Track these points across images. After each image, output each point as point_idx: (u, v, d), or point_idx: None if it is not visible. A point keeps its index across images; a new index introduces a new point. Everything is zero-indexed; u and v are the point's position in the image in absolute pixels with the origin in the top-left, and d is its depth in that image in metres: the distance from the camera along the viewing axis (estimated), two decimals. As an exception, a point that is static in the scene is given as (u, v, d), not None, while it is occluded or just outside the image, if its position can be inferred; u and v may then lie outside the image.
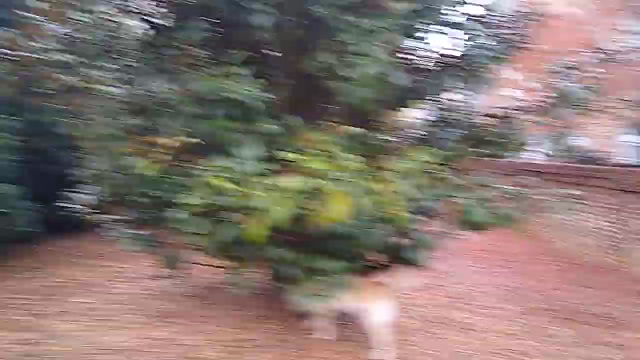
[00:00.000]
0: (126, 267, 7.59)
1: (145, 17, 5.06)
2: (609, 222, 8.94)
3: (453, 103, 5.57)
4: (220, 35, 4.88)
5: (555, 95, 4.76)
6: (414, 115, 7.54)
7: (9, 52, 4.64)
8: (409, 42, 4.99)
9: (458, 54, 5.34)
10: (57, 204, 5.68)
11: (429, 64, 5.38)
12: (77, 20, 4.69)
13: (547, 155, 15.83)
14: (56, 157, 8.75)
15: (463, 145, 5.06)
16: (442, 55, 5.37)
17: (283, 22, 4.50)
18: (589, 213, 9.45)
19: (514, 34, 5.47)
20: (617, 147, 14.93)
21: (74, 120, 4.79)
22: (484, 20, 5.45)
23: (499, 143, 5.17)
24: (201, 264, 5.38)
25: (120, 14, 4.93)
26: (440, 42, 5.21)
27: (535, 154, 15.36)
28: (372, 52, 4.11)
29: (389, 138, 5.57)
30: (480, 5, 5.42)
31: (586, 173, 9.85)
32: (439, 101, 5.56)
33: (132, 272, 7.39)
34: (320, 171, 3.66)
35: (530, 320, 5.94)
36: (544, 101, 5.10)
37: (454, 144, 5.09)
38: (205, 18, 4.66)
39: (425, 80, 5.19)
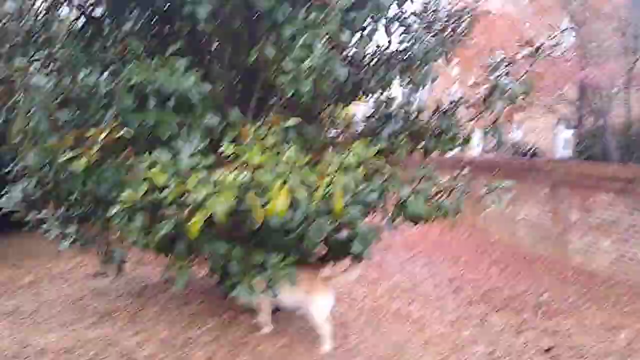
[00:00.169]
0: (61, 266, 7.30)
1: (78, 6, 4.87)
2: (544, 213, 9.31)
3: (393, 97, 5.63)
4: (156, 26, 4.75)
5: (490, 89, 4.87)
6: (357, 109, 7.60)
7: None
8: (350, 37, 5.01)
9: (398, 49, 5.40)
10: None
11: (370, 58, 5.42)
12: (3, 8, 4.47)
13: (485, 149, 16.31)
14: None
15: (402, 139, 5.11)
16: (382, 50, 5.43)
17: (220, 13, 4.41)
18: (526, 205, 9.80)
19: (451, 30, 5.58)
20: (553, 142, 15.52)
21: (1, 113, 4.56)
22: (422, 16, 5.54)
23: (437, 137, 5.26)
24: (139, 261, 5.25)
25: (51, 3, 4.73)
26: (380, 37, 5.26)
27: (474, 148, 15.80)
28: (313, 45, 4.09)
29: (331, 132, 5.59)
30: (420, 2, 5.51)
31: (522, 167, 10.22)
32: (379, 95, 5.61)
33: (67, 270, 7.11)
34: (260, 164, 3.62)
35: (466, 310, 6.11)
36: (480, 96, 5.22)
37: (393, 138, 5.14)
38: (140, 8, 4.52)
39: (365, 75, 5.22)
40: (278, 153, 3.70)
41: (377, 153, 4.25)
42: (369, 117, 5.81)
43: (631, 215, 7.31)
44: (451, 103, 5.47)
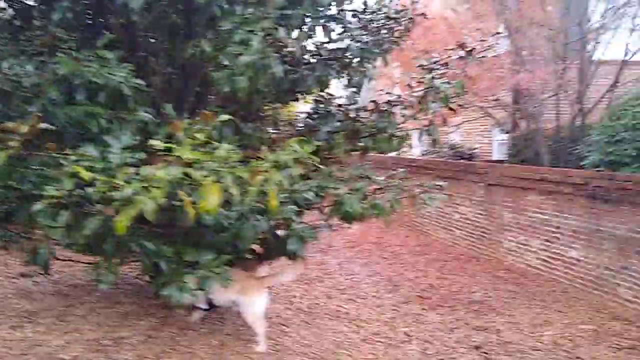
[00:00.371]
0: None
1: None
2: (480, 214, 9.59)
3: (330, 96, 5.66)
4: (88, 17, 4.59)
5: (425, 90, 4.97)
6: (296, 108, 7.59)
7: None
8: (287, 34, 5.00)
9: (336, 47, 5.43)
10: None
11: (308, 56, 5.42)
12: None
13: (423, 150, 16.68)
14: None
15: (339, 137, 5.14)
16: (320, 48, 5.44)
17: (156, 5, 4.31)
18: (462, 206, 10.07)
19: (389, 30, 5.66)
20: (489, 144, 16.03)
21: None
22: (361, 15, 5.59)
23: (375, 136, 5.32)
24: (65, 260, 5.04)
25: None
26: (318, 36, 5.27)
27: (411, 149, 16.12)
28: (249, 41, 4.05)
29: (268, 129, 5.56)
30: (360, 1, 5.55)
31: (458, 168, 10.50)
32: (317, 94, 5.62)
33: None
34: (192, 161, 3.54)
35: (404, 308, 6.22)
36: (416, 96, 5.31)
37: (331, 137, 5.16)
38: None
39: (303, 73, 5.22)
40: (215, 149, 3.64)
41: (315, 152, 4.26)
42: (308, 115, 5.82)
43: (559, 217, 7.62)
44: (389, 103, 5.54)
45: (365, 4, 5.55)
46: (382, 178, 5.05)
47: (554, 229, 7.72)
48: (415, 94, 5.37)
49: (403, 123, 5.50)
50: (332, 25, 5.05)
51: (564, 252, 7.52)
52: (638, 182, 6.31)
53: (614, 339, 5.40)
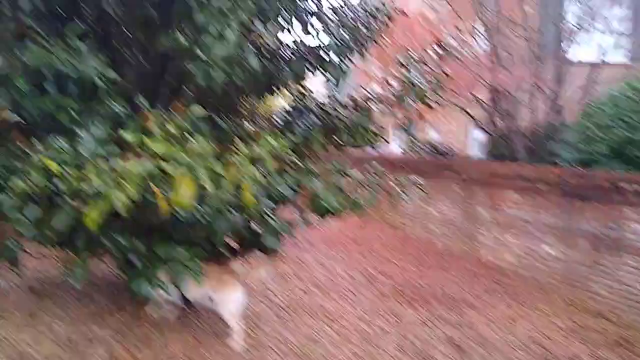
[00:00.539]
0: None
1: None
2: (458, 210, 9.65)
3: (308, 91, 5.63)
4: (60, 7, 4.49)
5: (402, 86, 4.98)
6: (275, 102, 7.54)
7: None
8: (265, 29, 4.96)
9: (314, 43, 5.41)
10: None
11: (285, 51, 5.39)
12: None
13: (401, 147, 16.75)
14: None
15: (316, 133, 5.13)
16: (298, 43, 5.41)
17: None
18: (440, 202, 10.13)
19: (368, 27, 5.65)
20: (466, 142, 16.15)
21: None
22: (340, 11, 5.57)
23: (352, 132, 5.32)
24: (36, 255, 4.94)
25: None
26: (297, 31, 5.23)
27: (390, 146, 16.17)
28: (225, 34, 4.00)
29: (244, 124, 5.51)
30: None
31: (437, 165, 10.56)
32: (295, 89, 5.59)
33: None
34: (165, 154, 3.49)
35: (381, 304, 6.22)
36: (394, 93, 5.32)
37: (308, 132, 5.14)
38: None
39: (281, 68, 5.18)
40: (188, 141, 3.60)
41: (291, 146, 4.24)
42: (285, 110, 5.79)
43: (534, 213, 7.71)
44: (367, 99, 5.54)
45: (345, 1, 5.53)
46: (359, 173, 5.05)
47: (529, 226, 7.80)
48: (392, 90, 5.38)
49: (380, 119, 5.50)
50: (310, 19, 5.02)
51: (537, 250, 7.60)
52: (610, 180, 6.40)
53: (588, 334, 5.48)
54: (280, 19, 4.74)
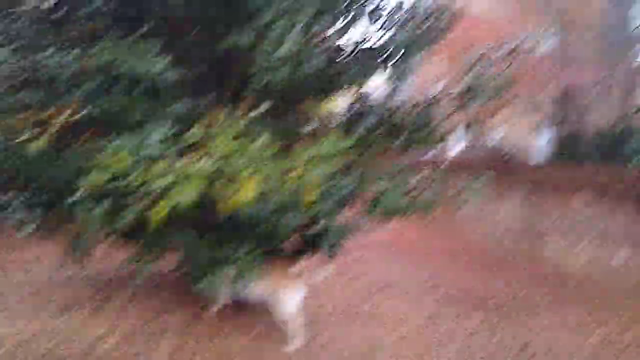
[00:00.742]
0: (24, 254, 7.07)
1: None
2: (524, 214, 9.31)
3: (372, 91, 5.54)
4: (127, 7, 4.59)
5: (468, 86, 4.81)
6: (337, 103, 7.49)
7: None
8: (330, 28, 4.91)
9: (378, 42, 5.30)
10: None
11: (349, 50, 5.31)
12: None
13: (466, 148, 16.33)
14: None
15: (381, 133, 5.02)
16: (362, 42, 5.32)
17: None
18: (504, 206, 9.80)
19: (431, 25, 5.49)
20: (533, 143, 15.59)
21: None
22: (404, 10, 5.44)
23: (414, 133, 5.18)
24: (106, 251, 5.07)
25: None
26: (360, 30, 5.15)
27: (454, 146, 15.81)
28: (289, 33, 3.97)
29: (307, 124, 5.47)
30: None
31: (501, 167, 10.22)
32: (358, 89, 5.50)
33: (30, 259, 6.88)
34: (230, 153, 3.49)
35: (442, 308, 6.04)
36: (461, 93, 5.15)
37: (370, 132, 5.04)
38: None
39: (344, 67, 5.11)
40: (252, 140, 3.58)
41: (352, 147, 4.16)
42: (347, 110, 5.71)
43: (606, 218, 7.32)
44: (430, 99, 5.39)
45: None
46: (422, 175, 4.91)
47: (601, 231, 7.42)
48: (457, 89, 5.21)
49: (443, 120, 5.34)
50: (375, 18, 4.92)
51: (611, 255, 7.21)
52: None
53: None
54: (344, 18, 4.66)
